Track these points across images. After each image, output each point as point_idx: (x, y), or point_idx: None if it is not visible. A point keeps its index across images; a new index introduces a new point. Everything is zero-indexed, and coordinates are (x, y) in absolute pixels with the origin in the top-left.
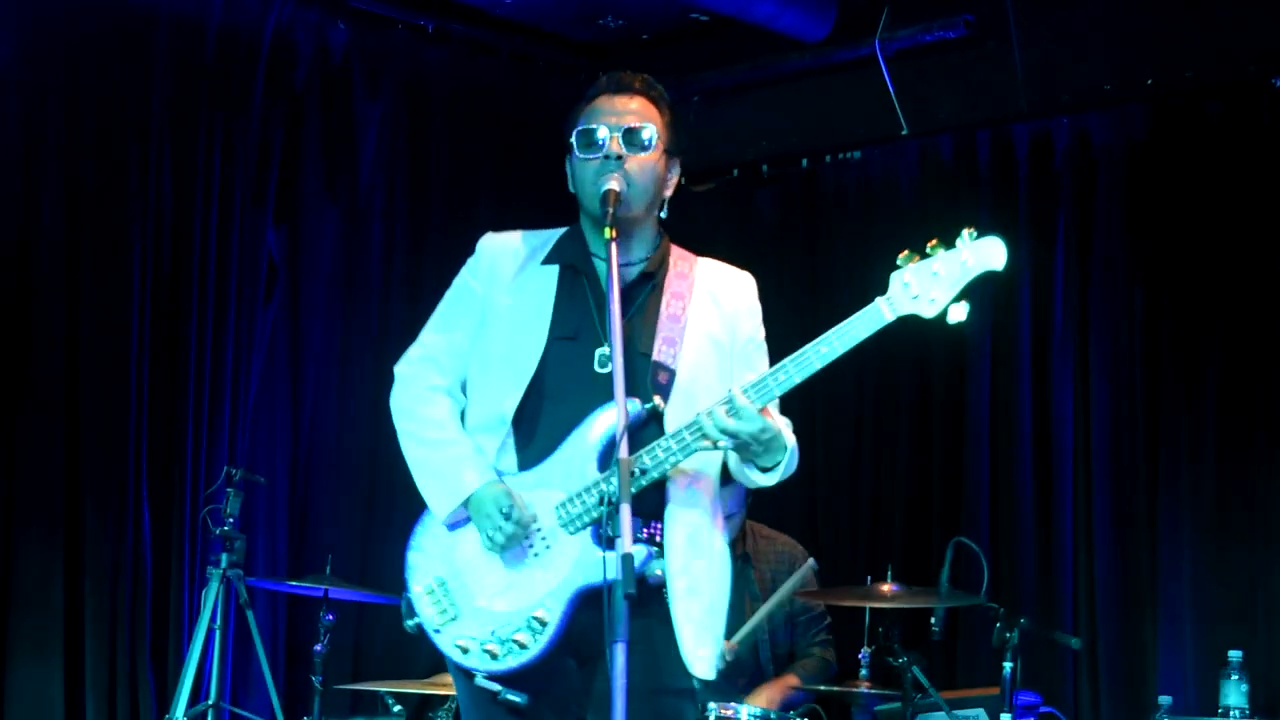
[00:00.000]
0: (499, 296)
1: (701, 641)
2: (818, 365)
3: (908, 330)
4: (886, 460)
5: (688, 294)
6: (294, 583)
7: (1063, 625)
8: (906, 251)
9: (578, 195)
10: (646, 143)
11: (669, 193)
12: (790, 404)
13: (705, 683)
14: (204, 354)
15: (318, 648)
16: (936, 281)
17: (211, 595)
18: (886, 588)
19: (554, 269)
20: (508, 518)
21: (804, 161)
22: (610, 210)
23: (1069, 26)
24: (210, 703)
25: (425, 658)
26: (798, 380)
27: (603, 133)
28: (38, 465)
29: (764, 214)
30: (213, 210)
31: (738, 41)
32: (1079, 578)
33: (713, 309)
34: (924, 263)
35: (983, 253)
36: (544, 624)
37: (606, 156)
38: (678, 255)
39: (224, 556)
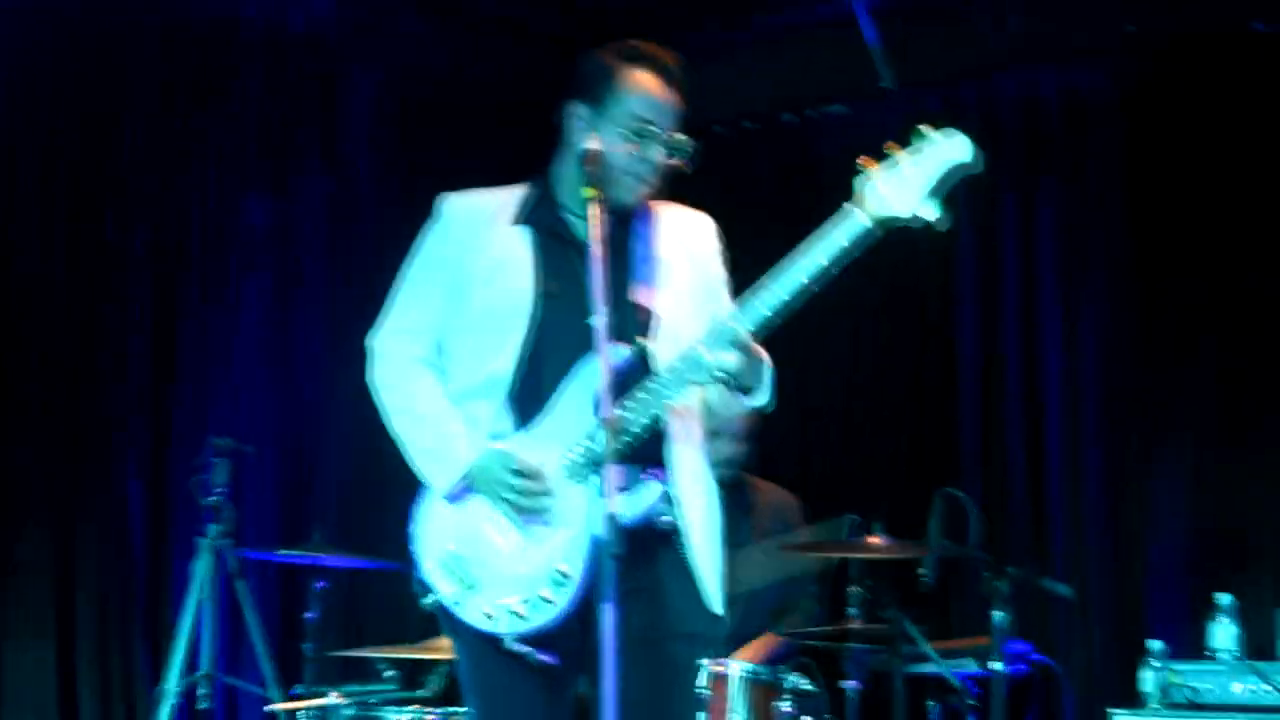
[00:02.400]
0: (473, 258)
1: (717, 579)
2: (802, 279)
3: (896, 281)
4: (877, 413)
5: (658, 236)
6: (284, 551)
7: (1052, 573)
8: (866, 159)
9: (574, 147)
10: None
11: None
12: (780, 362)
13: (718, 618)
14: (191, 324)
15: (309, 615)
16: (904, 182)
17: (201, 566)
18: (875, 539)
19: (527, 229)
20: (519, 474)
21: (786, 116)
22: (592, 170)
23: None
24: (203, 673)
25: (418, 623)
26: (784, 298)
27: (656, 135)
28: (27, 438)
29: (748, 170)
30: (208, 179)
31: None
32: (1069, 526)
33: (682, 250)
34: (888, 164)
35: (946, 147)
36: (568, 576)
37: (647, 160)
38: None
39: (212, 527)
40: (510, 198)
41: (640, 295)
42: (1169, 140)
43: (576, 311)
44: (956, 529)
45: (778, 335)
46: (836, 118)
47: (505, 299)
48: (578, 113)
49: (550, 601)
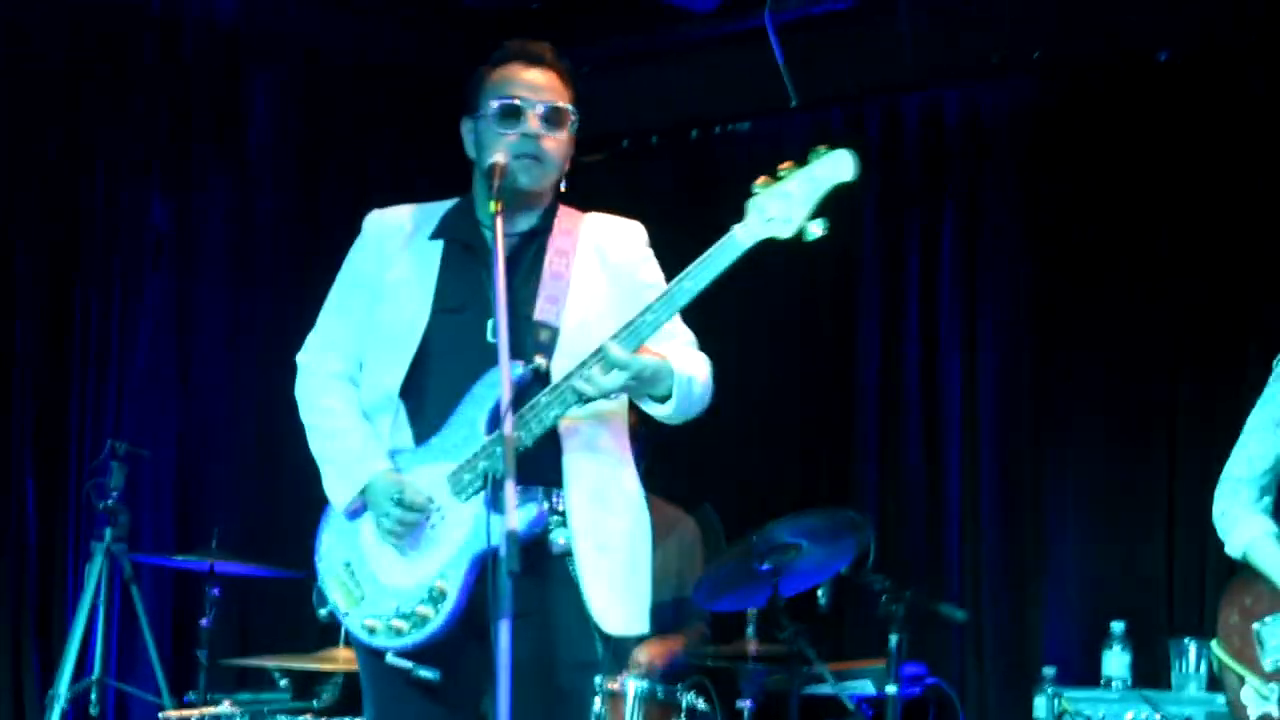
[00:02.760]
0: (385, 273)
1: (616, 598)
2: (682, 301)
3: (796, 300)
4: (775, 433)
5: (572, 250)
6: (179, 557)
7: (949, 597)
8: (763, 178)
9: (478, 163)
10: (564, 123)
11: (568, 166)
12: None
13: (623, 640)
14: (90, 325)
15: (204, 622)
16: (790, 201)
17: (95, 570)
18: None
19: (439, 244)
20: (398, 504)
21: (694, 132)
22: (496, 182)
23: None
24: (94, 678)
25: (313, 632)
26: (666, 318)
27: (524, 109)
28: None
29: (654, 185)
30: (99, 180)
31: (628, 12)
32: (965, 549)
33: (596, 261)
34: (777, 185)
35: (831, 165)
36: (444, 594)
37: (525, 134)
38: (564, 214)
39: (108, 530)
40: (434, 212)
41: (544, 311)
42: (1070, 164)
43: (475, 327)
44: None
45: None
46: (741, 134)
47: (403, 314)
48: (465, 127)
49: (425, 619)
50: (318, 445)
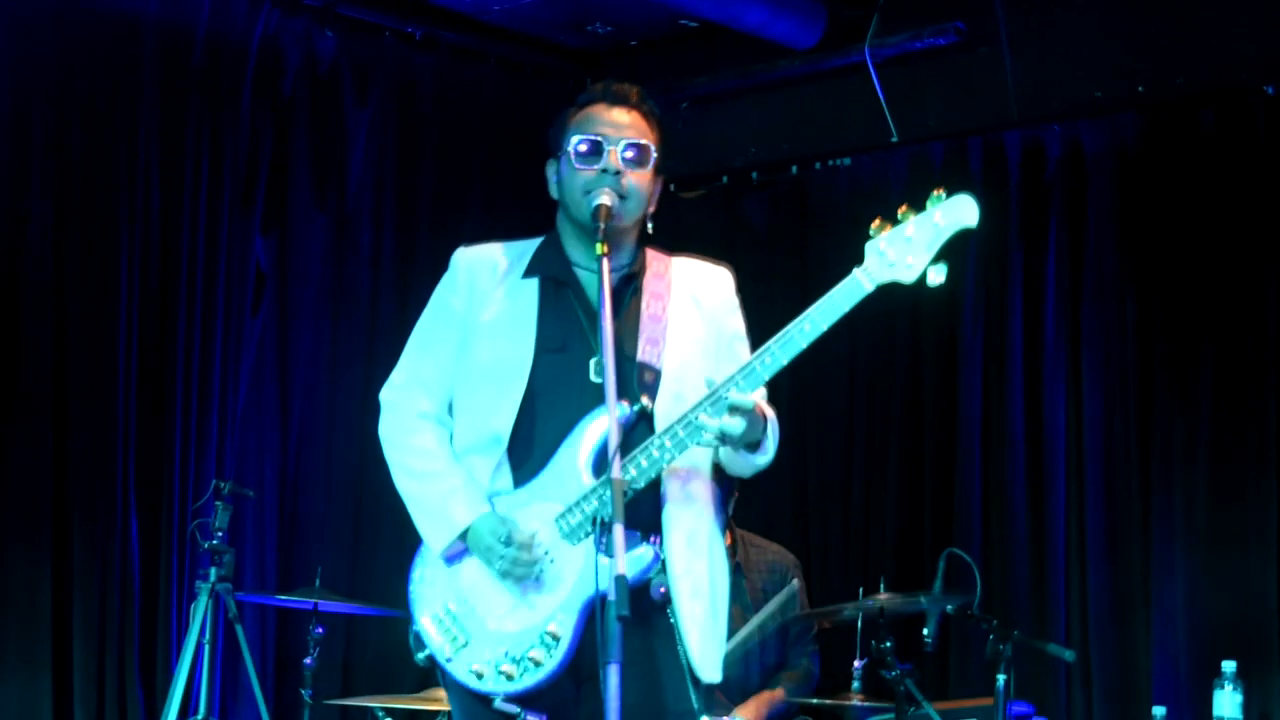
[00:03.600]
0: (479, 312)
1: (708, 644)
2: (802, 344)
3: (900, 338)
4: (878, 472)
5: (666, 293)
6: (283, 596)
7: (1055, 635)
8: (879, 220)
9: (563, 201)
10: (647, 160)
11: (654, 208)
12: (782, 418)
13: (710, 687)
14: (191, 364)
15: (307, 661)
16: (910, 246)
17: (200, 609)
18: (879, 599)
19: (534, 281)
20: (508, 544)
21: (794, 168)
22: (602, 225)
23: (1060, 33)
24: (199, 717)
25: (415, 672)
26: (784, 362)
27: (605, 146)
28: (25, 477)
29: (753, 221)
30: (200, 219)
31: (727, 48)
32: (1071, 588)
33: (692, 306)
34: (897, 229)
35: (954, 211)
36: (557, 638)
37: (605, 170)
38: (653, 256)
39: (212, 570)
40: (524, 250)
41: (645, 352)
42: (1174, 199)
43: (578, 367)
44: (960, 589)
45: (779, 391)
46: (842, 170)
47: (506, 354)
48: (549, 169)
49: (538, 663)
50: (409, 486)
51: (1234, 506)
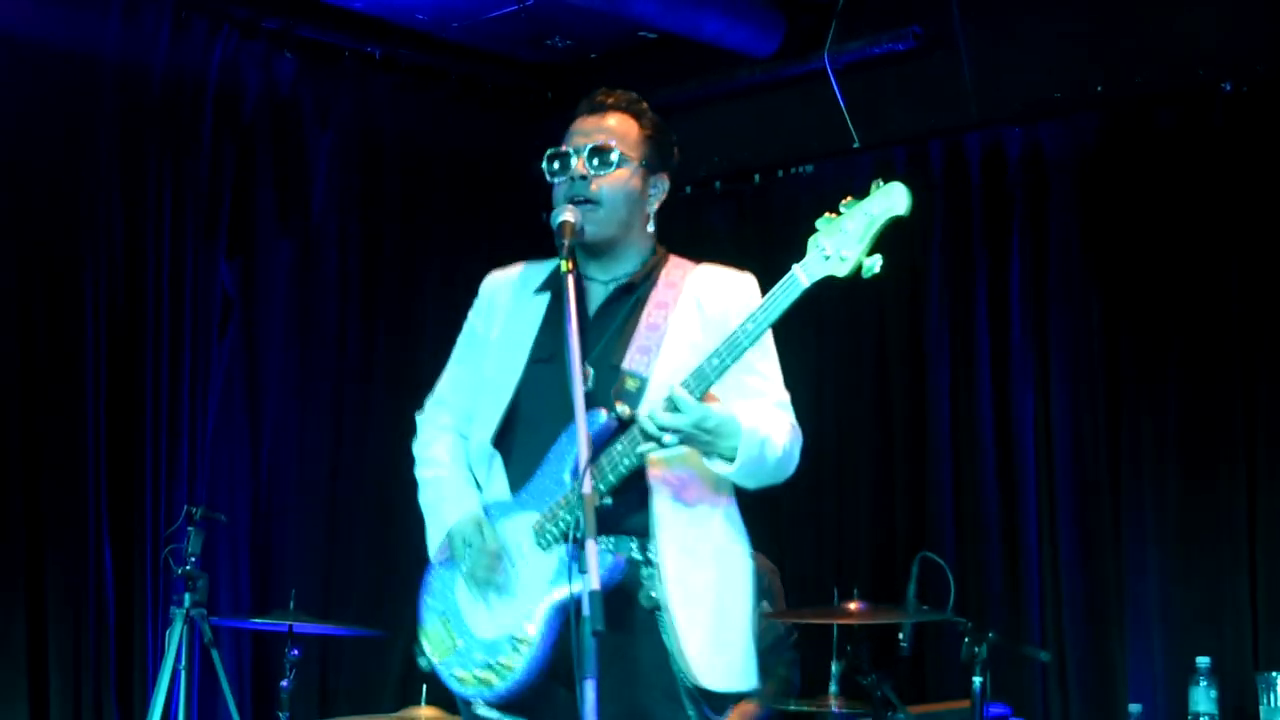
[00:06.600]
0: (492, 329)
1: (712, 651)
2: (747, 344)
3: (867, 343)
4: (849, 478)
5: (672, 302)
6: (258, 619)
7: (1030, 636)
8: (827, 214)
9: (560, 228)
10: (613, 161)
11: (652, 207)
12: None
13: (719, 695)
14: (160, 391)
15: (284, 684)
16: (846, 238)
17: (176, 635)
18: (854, 605)
19: (545, 297)
20: (468, 545)
21: (756, 177)
22: (566, 241)
23: (1017, 35)
24: None
25: (392, 692)
26: (731, 362)
27: (571, 156)
28: None
29: (718, 230)
30: (165, 245)
31: (687, 58)
32: (1045, 588)
33: (695, 314)
34: (835, 222)
35: (884, 200)
36: (525, 642)
37: (572, 179)
38: (673, 264)
39: (187, 596)
40: (545, 267)
41: (633, 361)
42: (1136, 198)
43: (563, 376)
44: (934, 593)
45: None
46: (804, 177)
47: (501, 366)
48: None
49: (509, 668)
50: (420, 494)
51: (1205, 502)
